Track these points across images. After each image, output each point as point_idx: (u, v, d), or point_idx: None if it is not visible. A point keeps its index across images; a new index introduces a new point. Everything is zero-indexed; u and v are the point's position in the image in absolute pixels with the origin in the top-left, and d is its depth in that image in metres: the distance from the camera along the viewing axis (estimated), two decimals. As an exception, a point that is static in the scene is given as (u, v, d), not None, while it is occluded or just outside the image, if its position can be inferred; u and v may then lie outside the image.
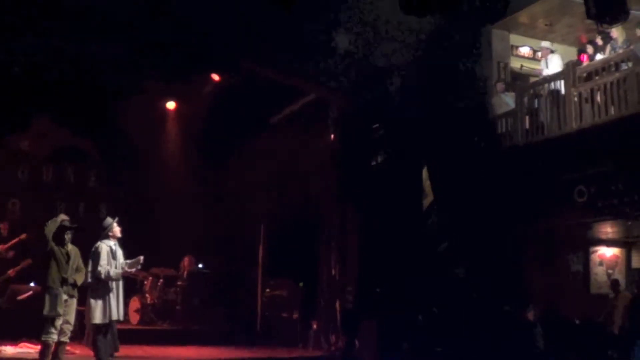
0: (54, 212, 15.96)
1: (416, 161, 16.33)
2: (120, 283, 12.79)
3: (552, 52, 16.90)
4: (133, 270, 12.73)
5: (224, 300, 19.97)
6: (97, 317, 11.52)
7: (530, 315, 15.09)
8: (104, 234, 12.08)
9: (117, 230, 12.17)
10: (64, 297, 10.99)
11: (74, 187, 21.33)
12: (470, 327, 14.64)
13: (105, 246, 11.81)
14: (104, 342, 12.06)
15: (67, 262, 11.35)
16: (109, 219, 12.39)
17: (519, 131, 16.09)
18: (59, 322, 10.95)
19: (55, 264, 11.29)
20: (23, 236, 17.29)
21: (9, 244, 17.33)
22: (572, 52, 17.20)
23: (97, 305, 11.53)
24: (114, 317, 11.96)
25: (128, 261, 12.34)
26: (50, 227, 11.49)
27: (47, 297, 10.89)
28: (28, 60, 16.07)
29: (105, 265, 11.57)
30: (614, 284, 16.99)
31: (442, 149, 16.05)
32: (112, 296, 12.00)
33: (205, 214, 21.04)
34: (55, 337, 10.92)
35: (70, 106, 18.43)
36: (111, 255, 11.93)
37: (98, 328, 11.67)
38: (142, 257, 12.42)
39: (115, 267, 12.04)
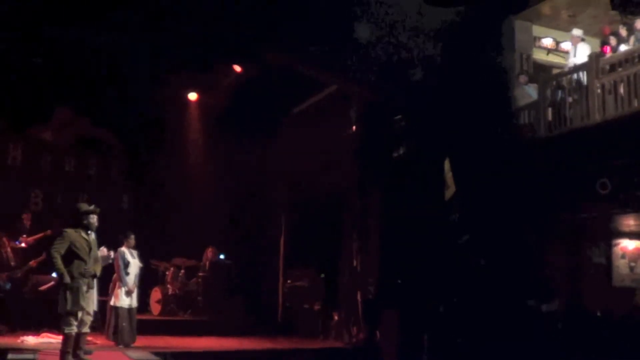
0: (76, 202, 16.03)
1: (438, 153, 16.27)
2: None
3: (582, 40, 16.71)
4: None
5: (245, 291, 20.01)
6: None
7: (544, 307, 15.05)
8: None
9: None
10: (84, 288, 11.00)
11: (97, 177, 21.36)
12: (491, 319, 14.61)
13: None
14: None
15: (89, 252, 11.29)
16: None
17: (542, 123, 15.98)
18: (80, 314, 10.97)
19: (76, 257, 11.15)
20: (49, 232, 17.30)
21: (34, 237, 17.38)
22: (595, 44, 17.06)
23: None
24: None
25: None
26: (58, 248, 11.17)
27: (68, 293, 10.87)
28: (50, 50, 16.14)
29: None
30: None
31: (464, 141, 15.98)
32: None
33: (228, 205, 21.12)
34: (76, 328, 10.95)
35: (92, 97, 18.47)
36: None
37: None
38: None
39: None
